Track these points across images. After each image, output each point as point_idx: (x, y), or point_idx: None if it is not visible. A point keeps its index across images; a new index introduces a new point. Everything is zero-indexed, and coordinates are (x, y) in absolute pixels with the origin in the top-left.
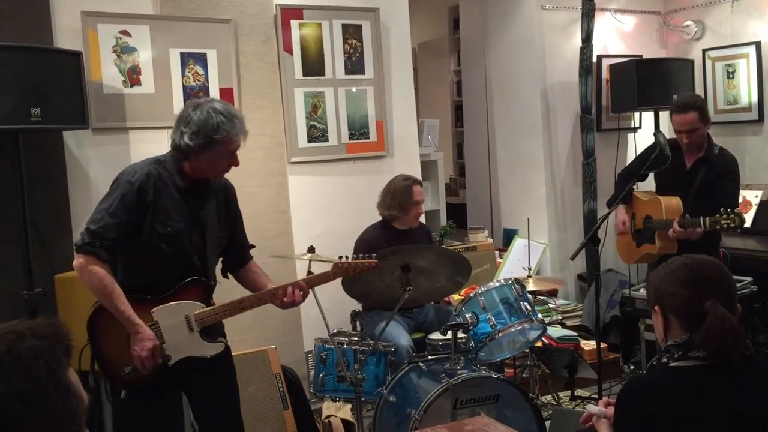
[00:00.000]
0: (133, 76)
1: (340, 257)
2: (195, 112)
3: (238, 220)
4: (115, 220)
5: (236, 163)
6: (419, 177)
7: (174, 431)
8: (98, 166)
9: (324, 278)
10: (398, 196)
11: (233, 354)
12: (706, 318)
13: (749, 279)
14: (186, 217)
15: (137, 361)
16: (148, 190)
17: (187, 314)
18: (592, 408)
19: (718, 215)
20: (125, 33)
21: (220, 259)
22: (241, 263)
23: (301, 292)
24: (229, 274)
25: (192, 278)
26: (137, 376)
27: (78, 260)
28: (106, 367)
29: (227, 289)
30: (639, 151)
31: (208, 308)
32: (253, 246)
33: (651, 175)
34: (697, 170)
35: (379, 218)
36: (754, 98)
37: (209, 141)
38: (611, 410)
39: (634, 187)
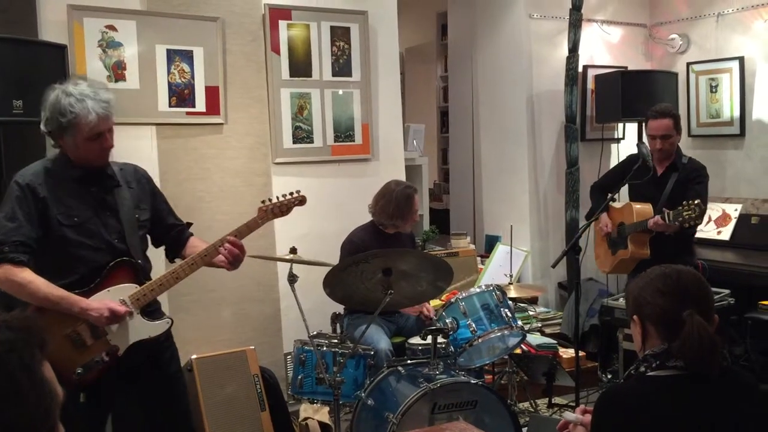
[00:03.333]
0: (118, 71)
1: (263, 201)
2: (48, 95)
3: (158, 201)
4: (15, 223)
5: (108, 145)
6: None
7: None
8: None
9: (252, 225)
10: (402, 206)
11: (212, 354)
12: (684, 327)
13: (727, 291)
14: (92, 204)
15: (108, 320)
16: (38, 187)
17: (122, 298)
18: (569, 415)
19: (680, 207)
20: (111, 27)
21: (163, 247)
22: (181, 243)
23: (236, 248)
24: (176, 259)
25: (117, 260)
26: (90, 375)
27: None
28: (56, 374)
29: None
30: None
31: (142, 287)
32: (190, 224)
33: (625, 186)
34: (668, 177)
35: (364, 220)
36: (736, 113)
37: (59, 125)
38: (588, 418)
39: (616, 197)
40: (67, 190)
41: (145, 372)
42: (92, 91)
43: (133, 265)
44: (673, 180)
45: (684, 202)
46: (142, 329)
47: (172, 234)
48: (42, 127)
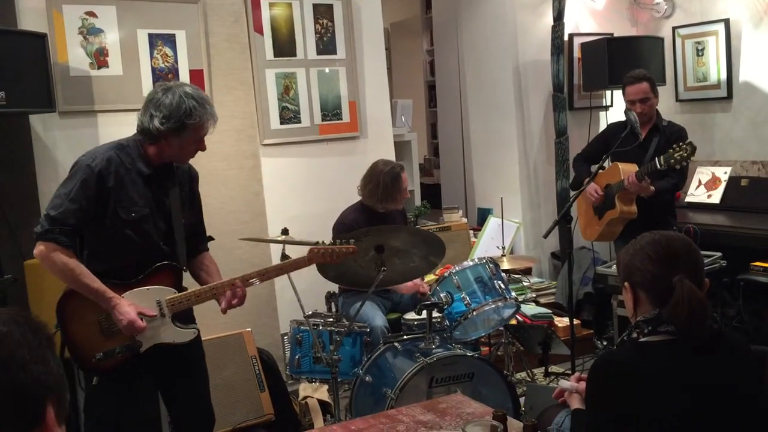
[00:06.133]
0: (100, 57)
1: (317, 243)
2: (166, 96)
3: (197, 206)
4: (75, 205)
5: (203, 148)
6: (393, 157)
7: (148, 419)
8: (66, 149)
9: (300, 264)
10: (390, 188)
11: (209, 337)
12: (674, 293)
13: (718, 254)
14: (150, 203)
15: (125, 329)
16: (108, 176)
17: (158, 299)
18: (564, 383)
19: (671, 150)
20: (91, 14)
21: None
22: (194, 253)
23: (241, 293)
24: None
25: (163, 263)
26: (108, 362)
27: (38, 248)
28: (76, 354)
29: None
30: None
31: (180, 293)
32: (211, 238)
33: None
34: (650, 139)
35: (355, 198)
36: (723, 75)
37: (181, 125)
38: (583, 385)
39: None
40: (132, 184)
41: (168, 365)
42: (205, 95)
43: (177, 270)
44: (656, 142)
45: (675, 145)
46: (169, 333)
47: (193, 240)
48: (156, 124)
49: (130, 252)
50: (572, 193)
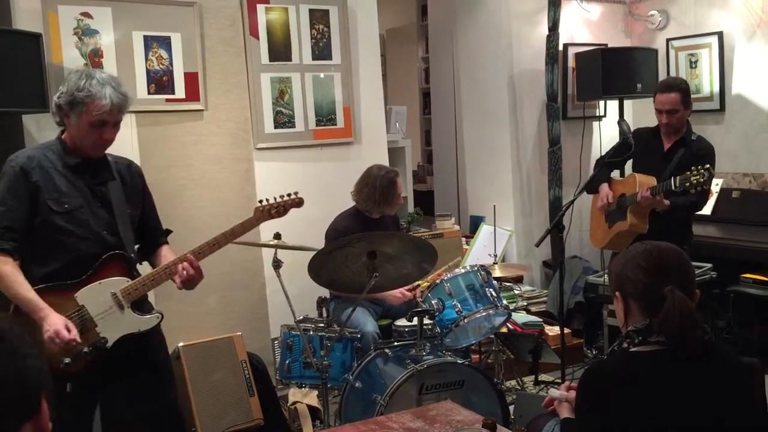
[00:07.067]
0: (94, 59)
1: (260, 201)
2: (74, 74)
3: (147, 201)
4: (3, 207)
5: (107, 137)
6: (387, 164)
7: (128, 418)
8: None
9: (248, 225)
10: (386, 192)
11: (199, 341)
12: (665, 303)
13: (709, 265)
14: (84, 193)
15: (48, 341)
16: (31, 171)
17: (113, 291)
18: (554, 392)
19: (688, 172)
20: (87, 15)
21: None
22: (153, 248)
23: (192, 268)
24: (143, 261)
25: (110, 253)
26: (77, 367)
27: None
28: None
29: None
30: (604, 140)
31: (134, 281)
32: (169, 231)
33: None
34: (674, 152)
35: (348, 204)
36: (716, 88)
37: (72, 99)
38: (572, 394)
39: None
40: (60, 176)
41: (133, 360)
42: (115, 82)
43: (126, 258)
44: (680, 155)
45: (693, 167)
46: (132, 323)
47: (148, 237)
48: (54, 98)
49: (72, 246)
50: (564, 202)
